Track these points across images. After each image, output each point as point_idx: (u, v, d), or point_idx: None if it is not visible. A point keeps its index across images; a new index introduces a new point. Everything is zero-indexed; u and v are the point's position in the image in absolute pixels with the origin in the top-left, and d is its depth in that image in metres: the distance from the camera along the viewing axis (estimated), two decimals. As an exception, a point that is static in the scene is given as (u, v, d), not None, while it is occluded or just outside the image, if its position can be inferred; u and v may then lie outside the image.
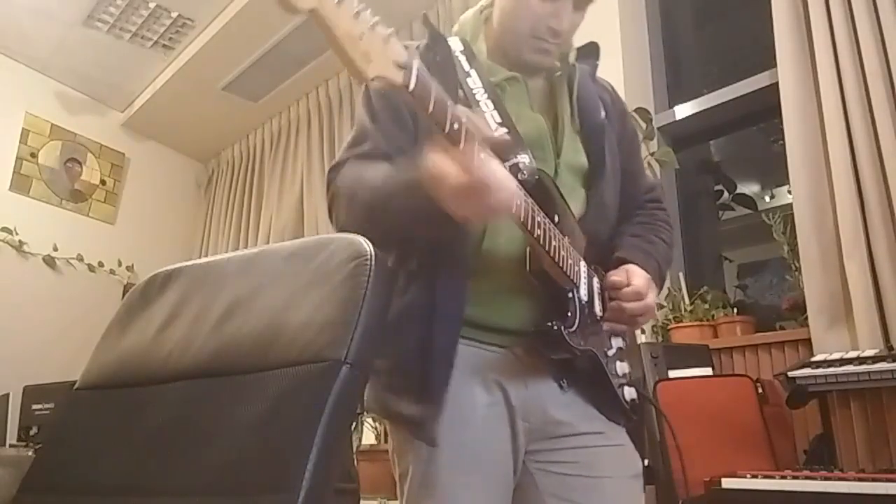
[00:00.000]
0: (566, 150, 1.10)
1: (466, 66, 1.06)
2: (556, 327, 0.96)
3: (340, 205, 1.02)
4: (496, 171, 0.83)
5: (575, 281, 1.01)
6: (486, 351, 1.04)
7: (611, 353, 1.09)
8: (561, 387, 1.06)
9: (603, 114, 1.16)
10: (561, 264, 0.96)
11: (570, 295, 1.00)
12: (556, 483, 1.04)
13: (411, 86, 0.73)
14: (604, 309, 1.08)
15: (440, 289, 0.98)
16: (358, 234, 0.99)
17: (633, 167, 1.24)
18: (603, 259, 1.11)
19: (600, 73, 1.24)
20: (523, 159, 0.97)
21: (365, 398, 1.09)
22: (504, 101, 1.05)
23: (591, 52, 1.22)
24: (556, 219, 0.98)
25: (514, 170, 0.92)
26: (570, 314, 0.99)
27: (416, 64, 0.73)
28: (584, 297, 1.03)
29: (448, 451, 0.98)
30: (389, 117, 1.04)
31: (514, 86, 1.10)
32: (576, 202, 1.08)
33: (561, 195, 1.02)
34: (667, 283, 2.47)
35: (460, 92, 1.03)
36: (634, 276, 1.05)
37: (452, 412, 0.96)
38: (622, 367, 1.10)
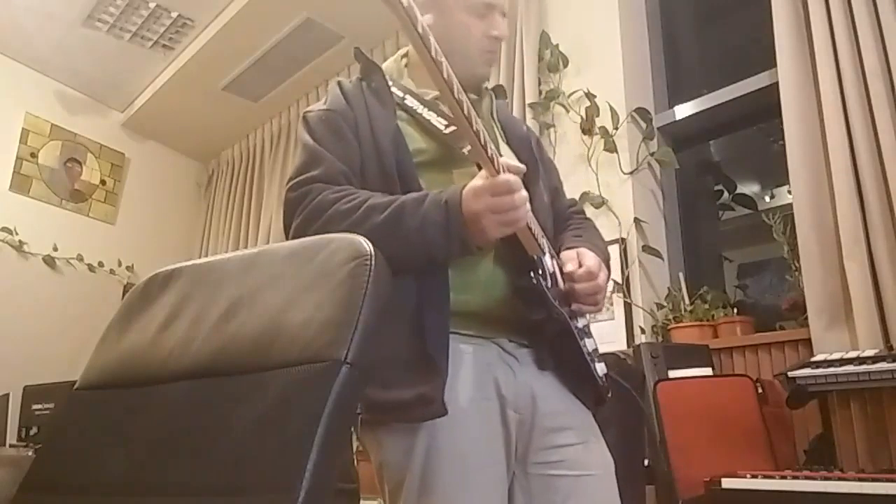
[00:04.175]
0: (504, 155, 1.15)
1: (400, 92, 1.15)
2: (535, 280, 1.01)
3: (332, 226, 0.99)
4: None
5: (543, 249, 1.07)
6: (473, 344, 1.04)
7: (578, 326, 1.12)
8: (541, 368, 1.09)
9: (525, 128, 1.31)
10: (531, 228, 1.02)
11: (536, 258, 1.05)
12: (541, 486, 1.04)
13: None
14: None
15: (424, 279, 1.00)
16: None
17: (556, 184, 1.36)
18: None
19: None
20: None
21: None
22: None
23: (499, 93, 1.33)
24: None
25: None
26: (542, 273, 1.04)
27: None
28: (550, 268, 1.08)
29: (445, 449, 0.97)
30: (333, 139, 1.09)
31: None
32: None
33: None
34: (667, 284, 2.47)
35: (400, 112, 1.11)
36: (585, 258, 1.11)
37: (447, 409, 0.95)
38: (590, 344, 1.15)
